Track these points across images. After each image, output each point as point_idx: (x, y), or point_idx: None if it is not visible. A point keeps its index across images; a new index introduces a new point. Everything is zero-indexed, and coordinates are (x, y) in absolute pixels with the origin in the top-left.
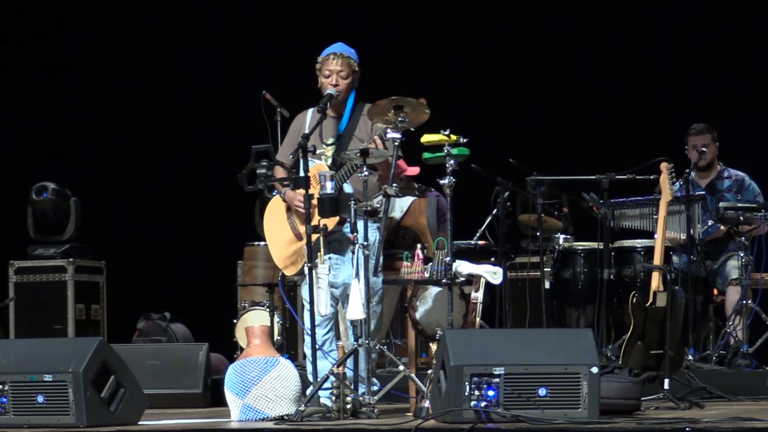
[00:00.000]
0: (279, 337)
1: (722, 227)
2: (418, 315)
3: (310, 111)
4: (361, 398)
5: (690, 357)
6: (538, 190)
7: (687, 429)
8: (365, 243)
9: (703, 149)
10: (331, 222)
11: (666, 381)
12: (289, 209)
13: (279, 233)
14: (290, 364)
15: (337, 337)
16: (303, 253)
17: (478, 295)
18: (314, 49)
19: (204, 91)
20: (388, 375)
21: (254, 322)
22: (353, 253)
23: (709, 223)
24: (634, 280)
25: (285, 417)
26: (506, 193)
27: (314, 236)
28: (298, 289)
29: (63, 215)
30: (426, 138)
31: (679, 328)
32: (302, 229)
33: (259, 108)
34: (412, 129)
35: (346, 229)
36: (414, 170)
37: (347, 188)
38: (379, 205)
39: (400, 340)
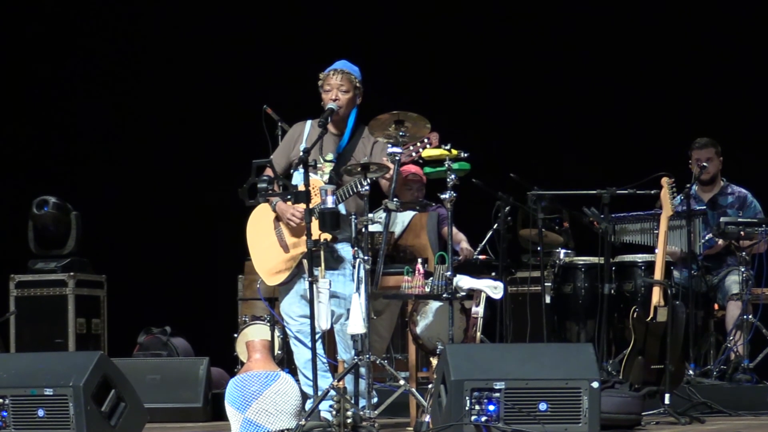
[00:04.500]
0: (279, 352)
1: (720, 242)
2: (418, 329)
3: (309, 122)
4: (361, 412)
5: (690, 372)
6: (538, 205)
7: None
8: (366, 258)
9: (705, 164)
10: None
11: (667, 396)
12: (276, 218)
13: (263, 242)
14: (291, 378)
15: (334, 351)
16: (290, 263)
17: (478, 310)
18: (315, 64)
19: (205, 105)
20: (389, 389)
21: (255, 337)
22: (354, 267)
23: (707, 237)
24: (634, 295)
25: (286, 431)
26: (507, 208)
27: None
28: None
29: (64, 229)
30: (427, 153)
31: (679, 343)
32: (290, 240)
33: (260, 122)
34: (420, 160)
35: (338, 245)
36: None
37: (341, 208)
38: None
39: (401, 355)
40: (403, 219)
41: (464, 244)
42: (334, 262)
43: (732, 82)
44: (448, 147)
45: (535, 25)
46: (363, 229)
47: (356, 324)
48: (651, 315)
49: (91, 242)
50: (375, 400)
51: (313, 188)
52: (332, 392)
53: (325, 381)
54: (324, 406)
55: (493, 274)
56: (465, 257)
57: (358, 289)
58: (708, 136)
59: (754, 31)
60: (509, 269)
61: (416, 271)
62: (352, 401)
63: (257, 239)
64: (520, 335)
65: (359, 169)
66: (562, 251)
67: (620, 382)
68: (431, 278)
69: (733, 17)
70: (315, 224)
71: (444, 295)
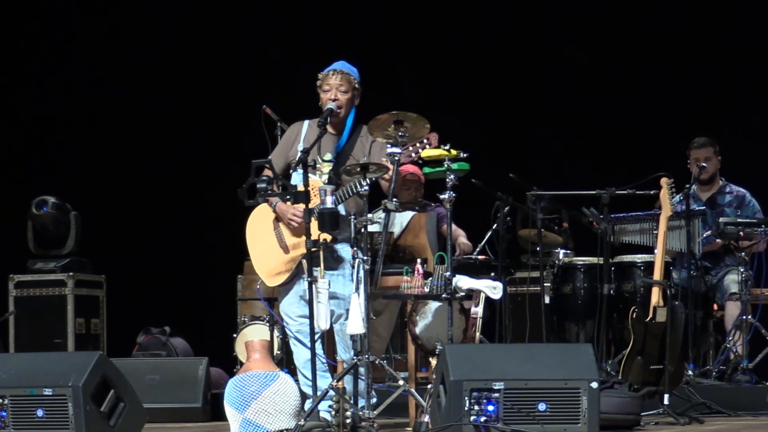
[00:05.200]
0: (279, 352)
1: (718, 240)
2: (417, 330)
3: (306, 123)
4: (360, 413)
5: (690, 372)
6: (538, 205)
7: None
8: (365, 258)
9: (704, 163)
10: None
11: (666, 396)
12: (276, 219)
13: (263, 242)
14: (290, 378)
15: (333, 351)
16: (290, 265)
17: (477, 310)
18: (314, 64)
19: (203, 105)
20: (388, 390)
21: (254, 337)
22: (353, 267)
23: (704, 235)
24: (634, 295)
25: (285, 431)
26: (506, 208)
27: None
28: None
29: (63, 229)
30: (426, 153)
31: (678, 343)
32: (290, 240)
33: (259, 122)
34: (420, 160)
35: (338, 245)
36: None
37: (340, 209)
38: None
39: (400, 355)
40: (401, 220)
41: (462, 239)
42: (334, 262)
43: (730, 81)
44: (447, 147)
45: (534, 26)
46: (362, 230)
47: (355, 324)
48: (650, 315)
49: (90, 242)
50: (374, 400)
51: (312, 188)
52: (331, 392)
53: (325, 381)
54: (323, 406)
55: (492, 274)
56: (462, 251)
57: (357, 289)
58: (706, 135)
59: (752, 31)
60: (508, 269)
61: (415, 272)
62: (352, 401)
63: (257, 240)
64: (520, 335)
65: (358, 169)
66: (562, 251)
67: (619, 383)
68: (430, 278)
69: (732, 17)
70: (315, 224)
71: (443, 296)
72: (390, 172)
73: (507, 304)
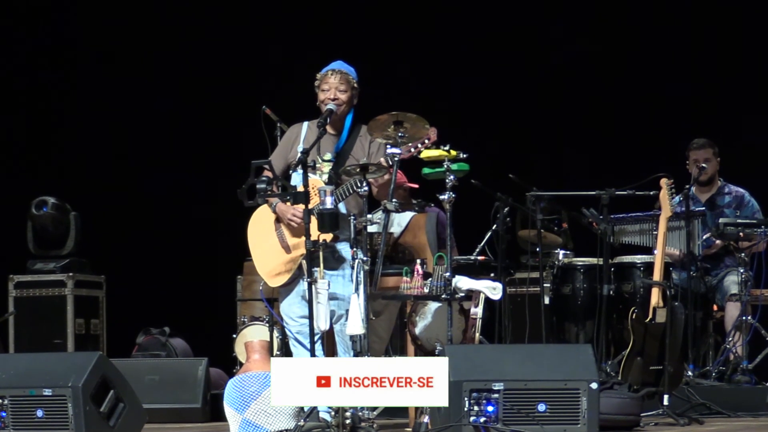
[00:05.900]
0: (278, 352)
1: (718, 241)
2: (417, 330)
3: (306, 124)
4: (360, 413)
5: (689, 373)
6: (537, 206)
7: None
8: (365, 258)
9: (704, 164)
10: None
11: (665, 397)
12: (277, 220)
13: (265, 243)
14: None
15: (333, 352)
16: (290, 265)
17: (477, 311)
18: (314, 64)
19: (204, 105)
20: None
21: (254, 337)
22: (353, 268)
23: (704, 237)
24: (633, 296)
25: None
26: (506, 209)
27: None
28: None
29: (63, 229)
30: (426, 153)
31: (678, 344)
32: (291, 241)
33: (258, 123)
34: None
35: (339, 245)
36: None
37: (341, 208)
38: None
39: (400, 356)
40: (400, 220)
41: None
42: (335, 262)
43: (729, 82)
44: (447, 148)
45: (534, 25)
46: (363, 230)
47: (355, 325)
48: (650, 316)
49: (90, 242)
50: None
51: (312, 188)
52: None
53: None
54: (323, 406)
55: (492, 275)
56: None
57: (356, 289)
58: (706, 136)
59: (752, 32)
60: (508, 270)
61: (415, 272)
62: None
63: (258, 241)
64: (519, 336)
65: (358, 170)
66: (561, 252)
67: (619, 383)
68: (430, 279)
69: (732, 18)
70: (315, 224)
71: (443, 296)
72: (388, 174)
73: (506, 304)
